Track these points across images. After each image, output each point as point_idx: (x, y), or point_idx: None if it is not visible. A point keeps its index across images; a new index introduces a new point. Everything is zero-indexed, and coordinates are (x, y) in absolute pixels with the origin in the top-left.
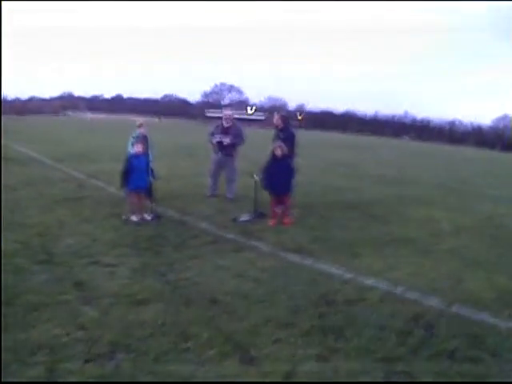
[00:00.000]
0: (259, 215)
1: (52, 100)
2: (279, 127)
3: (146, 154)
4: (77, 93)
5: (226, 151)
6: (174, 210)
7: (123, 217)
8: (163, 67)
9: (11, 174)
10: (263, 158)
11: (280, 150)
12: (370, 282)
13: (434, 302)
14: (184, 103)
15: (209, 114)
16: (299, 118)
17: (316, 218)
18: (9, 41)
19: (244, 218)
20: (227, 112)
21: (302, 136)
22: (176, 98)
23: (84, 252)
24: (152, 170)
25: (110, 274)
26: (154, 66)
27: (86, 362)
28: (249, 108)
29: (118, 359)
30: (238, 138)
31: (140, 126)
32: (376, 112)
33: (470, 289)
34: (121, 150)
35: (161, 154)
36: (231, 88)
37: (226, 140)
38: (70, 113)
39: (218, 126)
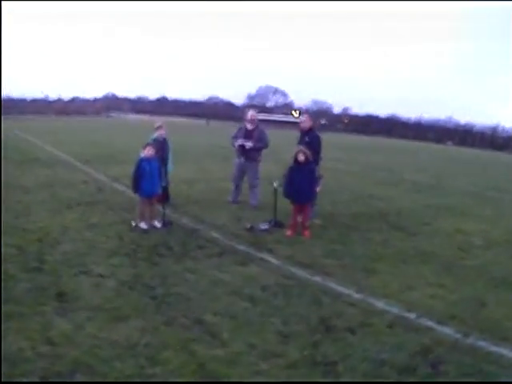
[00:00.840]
0: (277, 224)
1: (95, 101)
2: (305, 129)
3: (157, 157)
4: (121, 94)
5: (249, 155)
6: (188, 216)
7: (132, 223)
8: (207, 69)
9: (32, 175)
10: None
11: (302, 154)
12: (380, 304)
13: (449, 331)
14: (229, 106)
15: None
16: (345, 121)
17: (338, 229)
18: (52, 41)
19: (261, 227)
20: (251, 113)
21: (345, 140)
22: (221, 101)
23: (77, 260)
24: (165, 174)
25: (96, 285)
26: (199, 68)
27: (42, 380)
28: (295, 112)
29: (75, 380)
30: (261, 142)
31: (158, 128)
32: (420, 117)
33: (494, 315)
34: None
35: (194, 157)
36: (276, 91)
37: (248, 144)
38: (112, 114)
39: (240, 129)
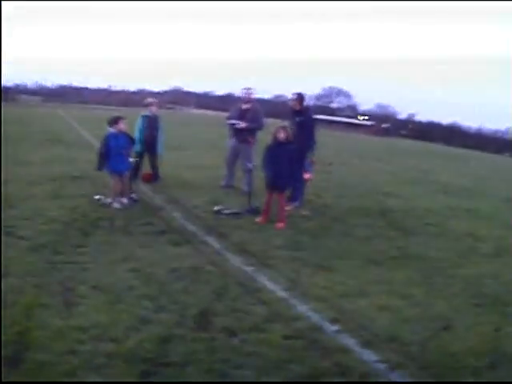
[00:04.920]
0: (252, 211)
1: (159, 94)
2: (296, 108)
3: (127, 133)
4: (187, 88)
5: (241, 136)
6: (164, 197)
7: (95, 197)
8: (274, 67)
9: (42, 153)
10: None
11: (283, 132)
12: (303, 308)
13: (372, 357)
14: None
15: (318, 117)
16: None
17: (323, 221)
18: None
19: (230, 211)
20: (243, 91)
21: (400, 144)
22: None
23: (13, 223)
24: (155, 155)
25: (8, 245)
26: (266, 66)
27: None
28: (362, 116)
29: None
30: (255, 123)
31: (149, 104)
32: (480, 126)
33: (451, 344)
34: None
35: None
36: (339, 92)
37: (240, 124)
38: (176, 107)
39: (235, 108)
